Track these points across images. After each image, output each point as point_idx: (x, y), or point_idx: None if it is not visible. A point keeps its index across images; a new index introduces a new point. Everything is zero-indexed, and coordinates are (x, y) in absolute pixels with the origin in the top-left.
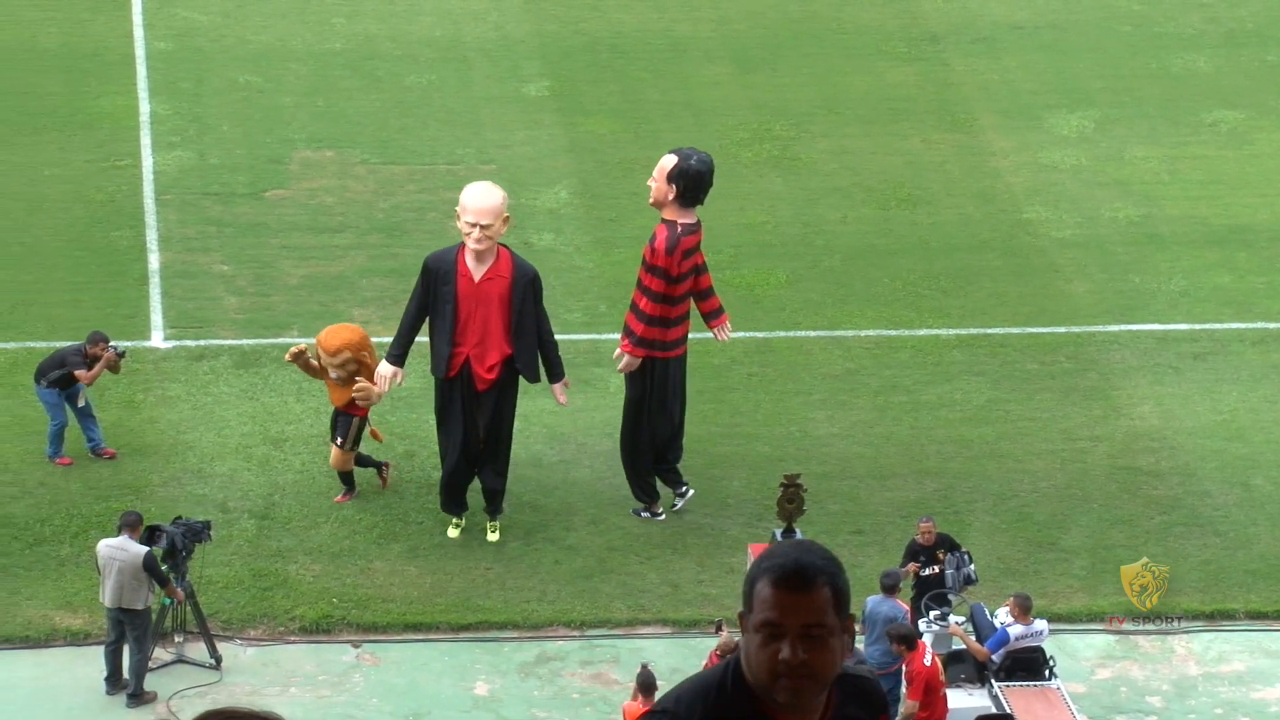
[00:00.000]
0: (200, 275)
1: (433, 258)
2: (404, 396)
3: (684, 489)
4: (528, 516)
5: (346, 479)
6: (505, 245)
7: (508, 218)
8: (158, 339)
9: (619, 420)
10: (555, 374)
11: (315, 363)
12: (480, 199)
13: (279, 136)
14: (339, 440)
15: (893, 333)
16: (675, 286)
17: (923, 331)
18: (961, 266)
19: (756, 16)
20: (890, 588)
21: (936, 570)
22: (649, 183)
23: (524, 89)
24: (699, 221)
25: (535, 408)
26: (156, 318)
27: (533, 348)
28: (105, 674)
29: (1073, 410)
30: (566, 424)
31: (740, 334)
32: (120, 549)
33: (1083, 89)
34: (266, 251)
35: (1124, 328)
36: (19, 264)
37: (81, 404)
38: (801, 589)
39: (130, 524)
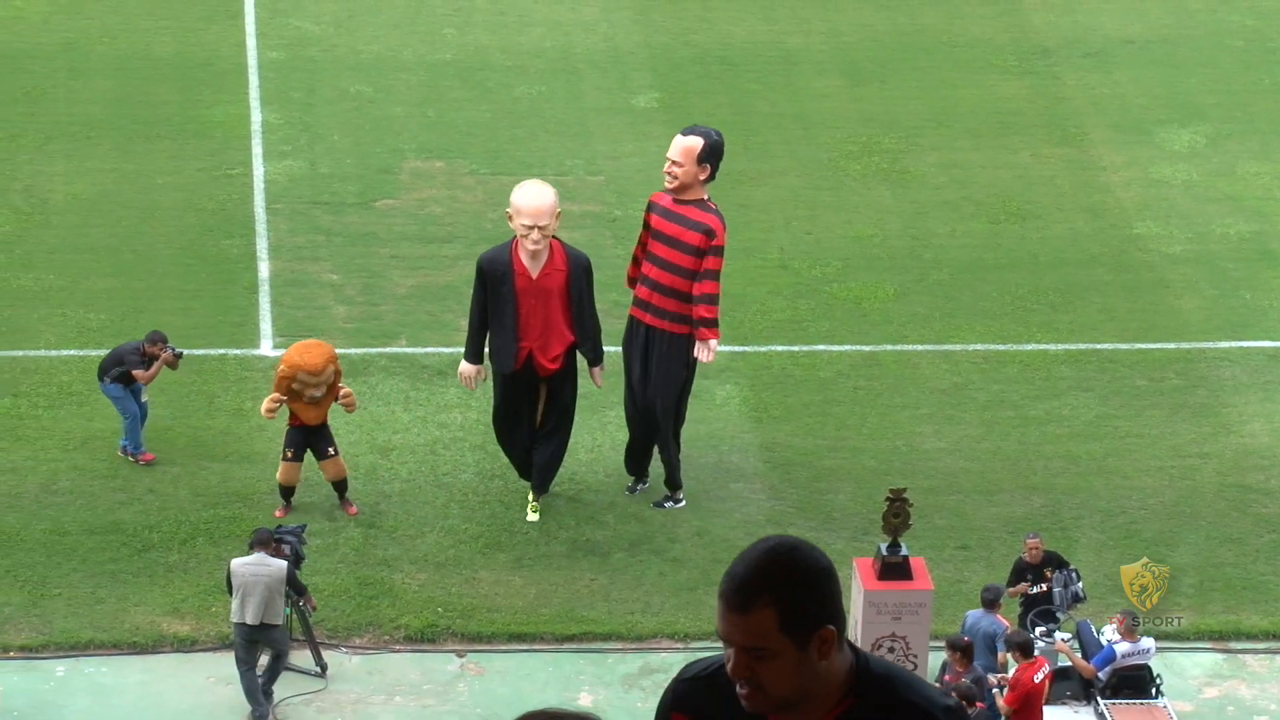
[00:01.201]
0: (309, 284)
1: (486, 259)
2: None
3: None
4: (632, 528)
5: (345, 485)
6: (556, 237)
7: (559, 213)
8: (266, 347)
9: (724, 433)
10: (596, 358)
11: (281, 397)
12: (536, 200)
13: (389, 146)
14: (332, 451)
15: (1001, 347)
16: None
17: (1031, 346)
18: (1071, 281)
19: (867, 29)
20: (990, 602)
21: (1044, 588)
22: (672, 169)
23: (633, 100)
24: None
25: None
26: (266, 326)
27: (597, 331)
28: (249, 699)
29: (1182, 427)
30: None
31: (847, 347)
32: (261, 565)
33: (1194, 104)
34: (375, 261)
35: (1234, 344)
36: (131, 272)
37: (144, 399)
38: (739, 609)
39: (262, 540)
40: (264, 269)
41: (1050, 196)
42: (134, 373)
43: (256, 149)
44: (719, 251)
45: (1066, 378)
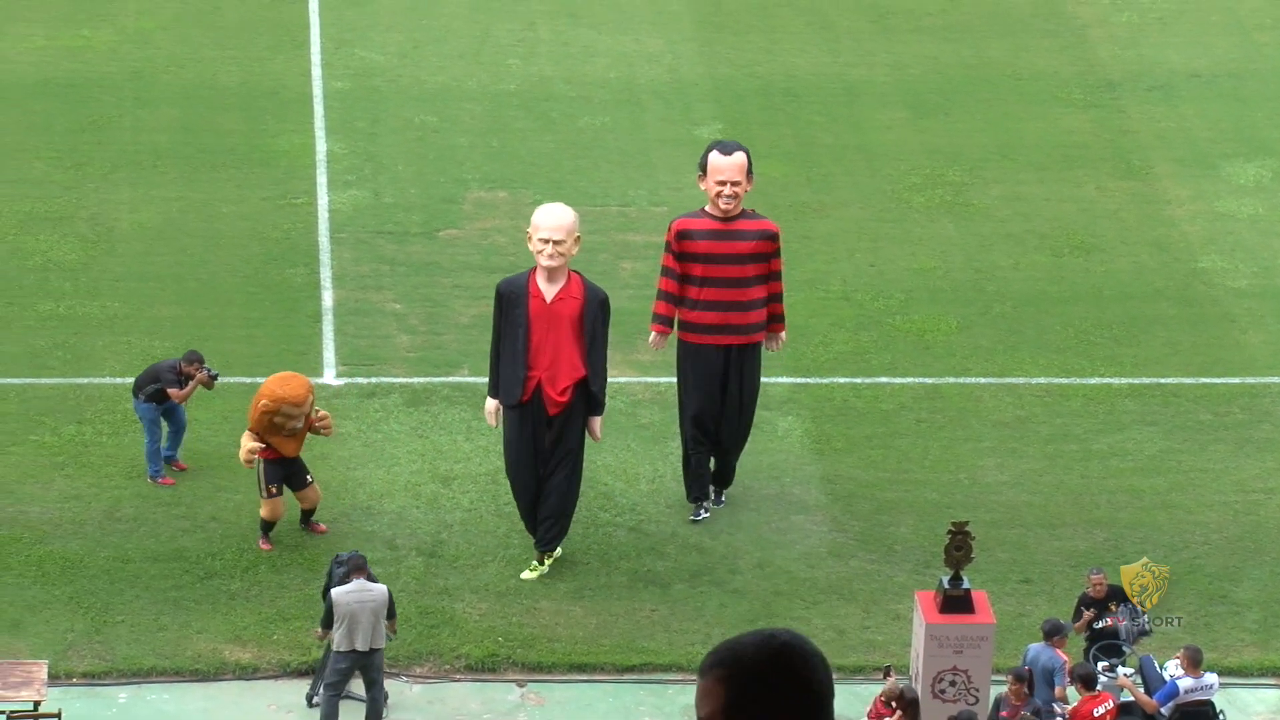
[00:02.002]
0: (373, 313)
1: (504, 283)
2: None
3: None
4: (693, 559)
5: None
6: (577, 270)
7: (579, 238)
8: (330, 376)
9: (785, 464)
10: (595, 406)
11: (257, 442)
12: (553, 216)
13: (453, 176)
14: (310, 478)
15: (1064, 381)
16: None
17: (1094, 380)
18: (1135, 315)
19: (931, 61)
20: (1050, 635)
21: (1109, 622)
22: (734, 190)
23: (697, 131)
24: None
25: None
26: (329, 355)
27: (605, 371)
28: None
29: (1246, 462)
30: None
31: (910, 379)
32: (364, 592)
33: (1261, 138)
34: (439, 290)
35: None
36: (196, 300)
37: (182, 412)
38: (699, 677)
39: (358, 566)
40: (327, 298)
41: (1115, 230)
42: (169, 391)
43: (321, 178)
44: (780, 252)
45: (1130, 411)
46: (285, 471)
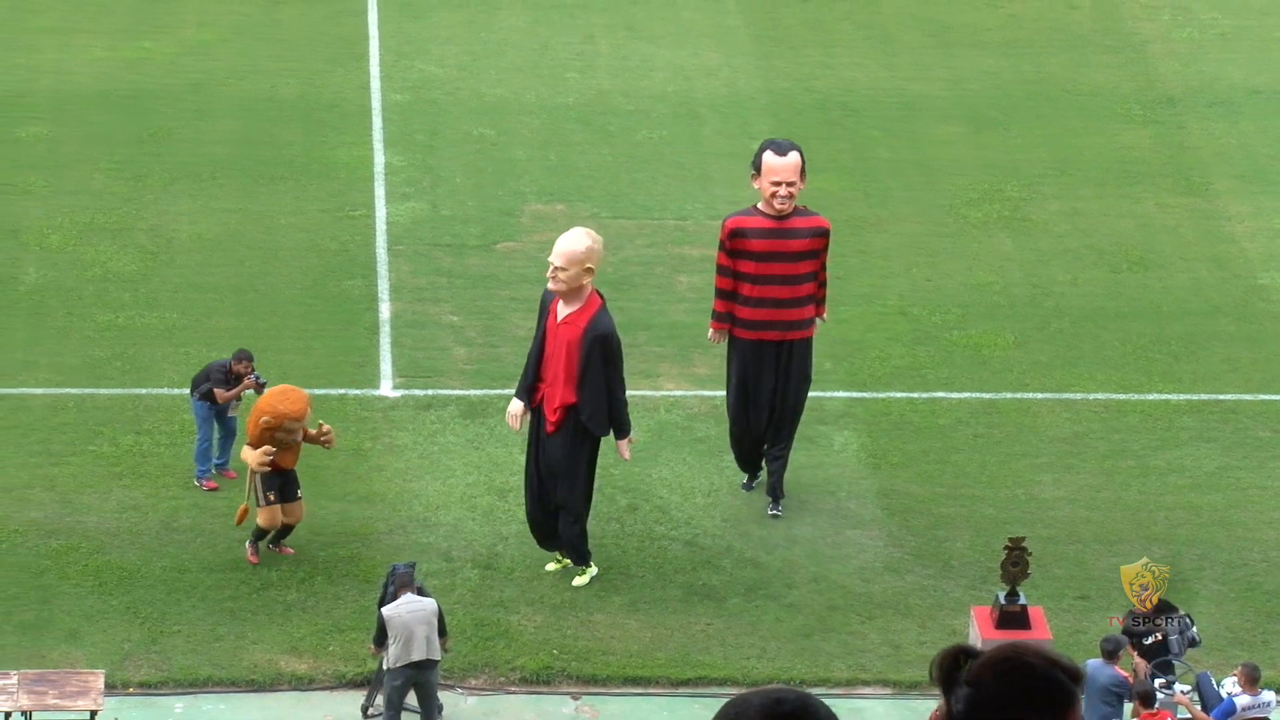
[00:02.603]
0: (430, 325)
1: (546, 291)
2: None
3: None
4: (749, 573)
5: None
6: (602, 298)
7: (590, 269)
8: (386, 388)
9: (842, 479)
10: (620, 431)
11: (271, 449)
12: (563, 242)
13: (511, 189)
14: (300, 493)
15: (1122, 396)
16: None
17: (1153, 396)
18: (1193, 331)
19: (990, 76)
20: (1110, 653)
21: (1159, 637)
22: (790, 190)
23: (754, 145)
24: None
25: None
26: (386, 367)
27: (598, 400)
28: None
29: None
30: (789, 481)
31: (967, 395)
32: (415, 605)
33: None
34: (496, 303)
35: None
36: (254, 311)
37: (232, 415)
38: None
39: (405, 583)
40: (385, 310)
41: (1173, 246)
42: (215, 391)
43: (379, 190)
44: (829, 246)
45: (1188, 428)
46: (281, 481)
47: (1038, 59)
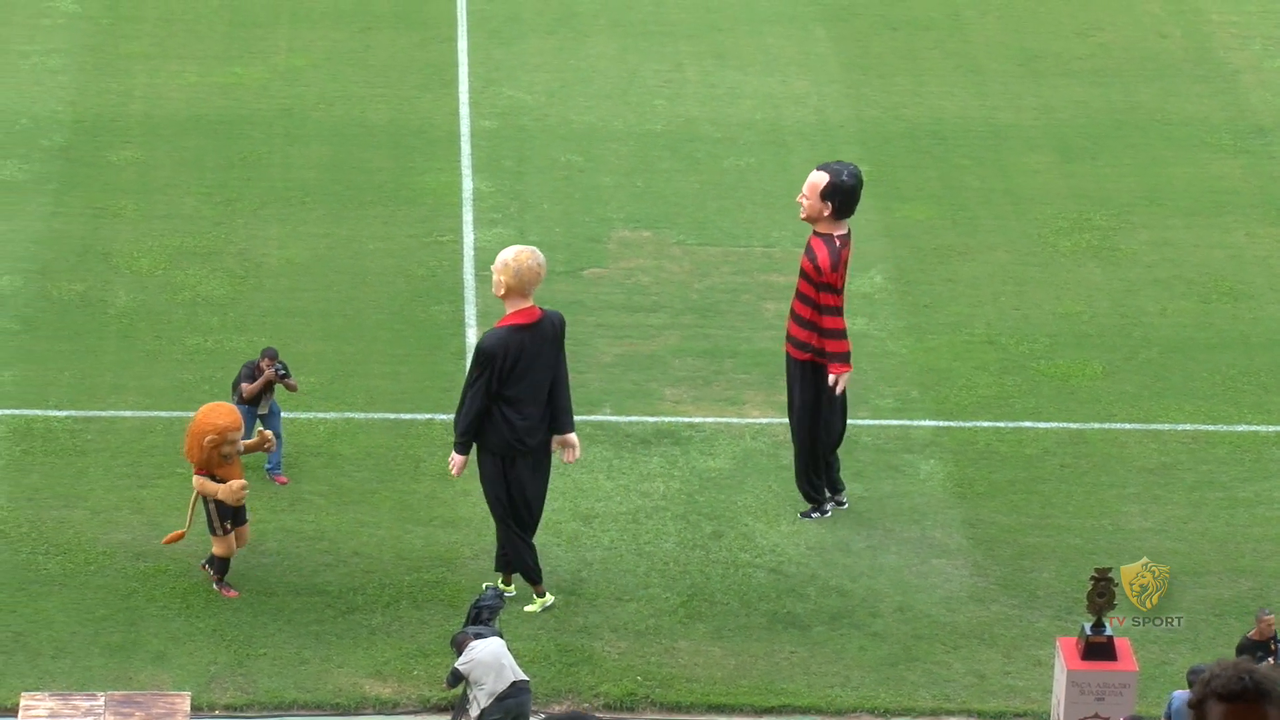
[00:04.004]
0: None
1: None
2: (712, 477)
3: (843, 499)
4: (834, 601)
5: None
6: (507, 315)
7: (499, 280)
8: None
9: (927, 507)
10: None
11: (212, 471)
12: (499, 256)
13: (598, 216)
14: (249, 516)
15: (1210, 428)
16: (839, 297)
17: (1241, 427)
18: None
19: (1080, 105)
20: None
21: (1270, 663)
22: (799, 200)
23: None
24: (850, 231)
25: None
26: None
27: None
28: None
29: None
30: (875, 509)
31: (1054, 424)
32: (491, 634)
33: None
34: (582, 329)
35: None
36: (341, 336)
37: (263, 411)
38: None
39: (459, 644)
40: (471, 335)
41: (1264, 277)
42: (241, 386)
43: (467, 216)
44: (827, 288)
45: (1277, 460)
46: (233, 508)
47: (1128, 88)
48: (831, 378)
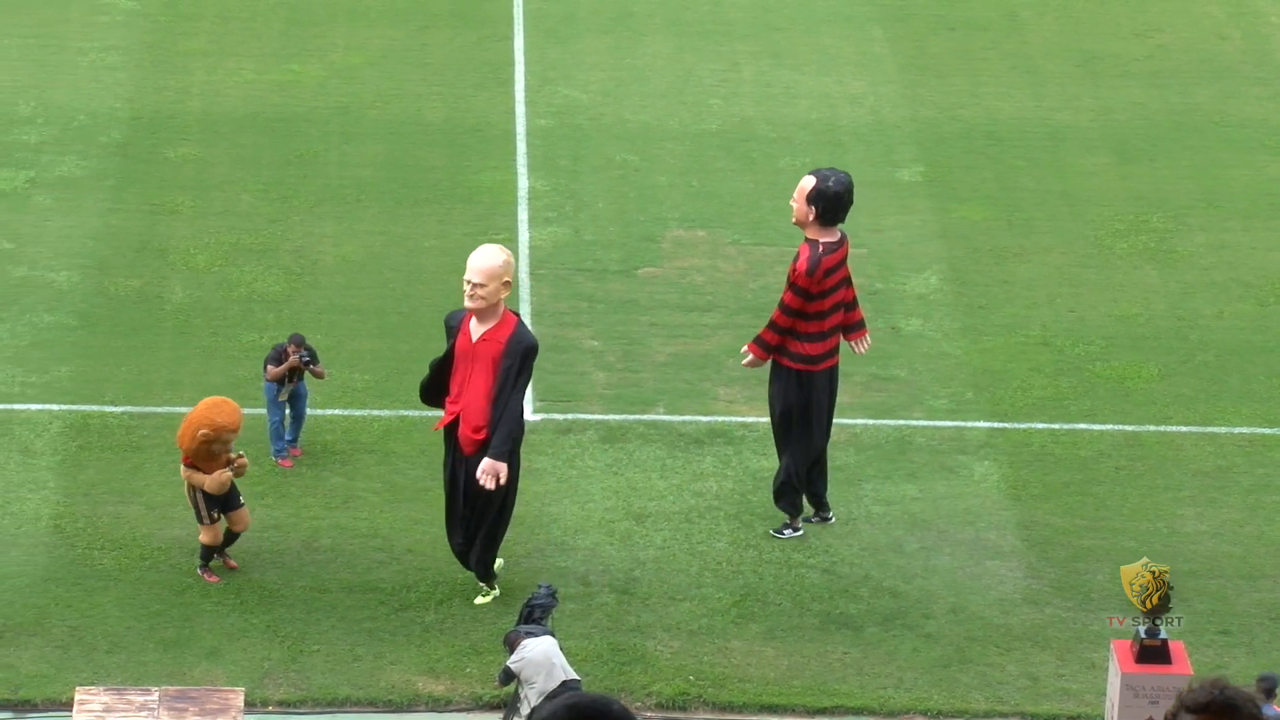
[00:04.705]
0: (570, 349)
1: (450, 315)
2: (765, 477)
3: (829, 515)
4: (887, 602)
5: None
6: (516, 314)
7: (508, 283)
8: (527, 411)
9: (981, 509)
10: (492, 449)
11: (196, 463)
12: (478, 258)
13: (652, 215)
14: (242, 500)
15: (1267, 431)
16: (819, 302)
17: None
18: None
19: (1138, 107)
20: (1269, 691)
21: None
22: (790, 203)
23: (897, 174)
24: (843, 237)
25: (897, 493)
26: (526, 390)
27: (510, 418)
28: None
29: None
30: (928, 510)
31: (1109, 426)
32: (542, 633)
33: None
34: (636, 328)
35: None
36: (396, 333)
37: (282, 399)
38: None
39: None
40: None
41: None
42: (267, 367)
43: (522, 215)
44: (794, 289)
45: None
46: (223, 498)
47: (1186, 90)
48: (744, 349)
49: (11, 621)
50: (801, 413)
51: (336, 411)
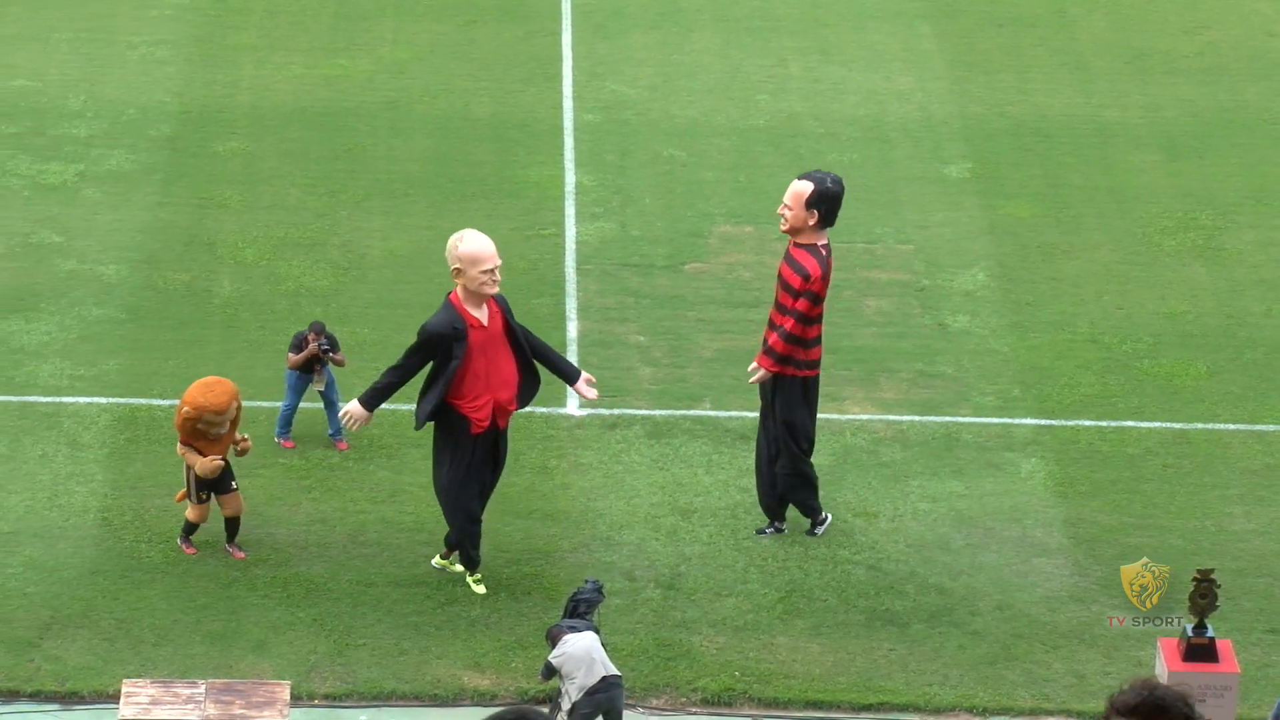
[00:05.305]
0: (616, 345)
1: (438, 324)
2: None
3: (784, 525)
4: (933, 599)
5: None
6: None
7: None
8: (572, 406)
9: (1028, 506)
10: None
11: (191, 441)
12: (490, 244)
13: (699, 211)
14: (234, 485)
15: None
16: (819, 306)
17: None
18: None
19: (1187, 104)
20: None
21: None
22: (781, 211)
23: (945, 170)
24: (829, 243)
25: (943, 490)
26: None
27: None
28: None
29: None
30: (975, 507)
31: (1156, 424)
32: (585, 628)
33: None
34: (683, 324)
35: None
36: None
37: (319, 388)
38: None
39: (553, 638)
40: (572, 329)
41: None
42: (288, 355)
43: (569, 210)
44: (811, 296)
45: None
46: (212, 480)
47: (1235, 87)
48: (753, 365)
49: (59, 614)
50: (805, 419)
51: (383, 405)
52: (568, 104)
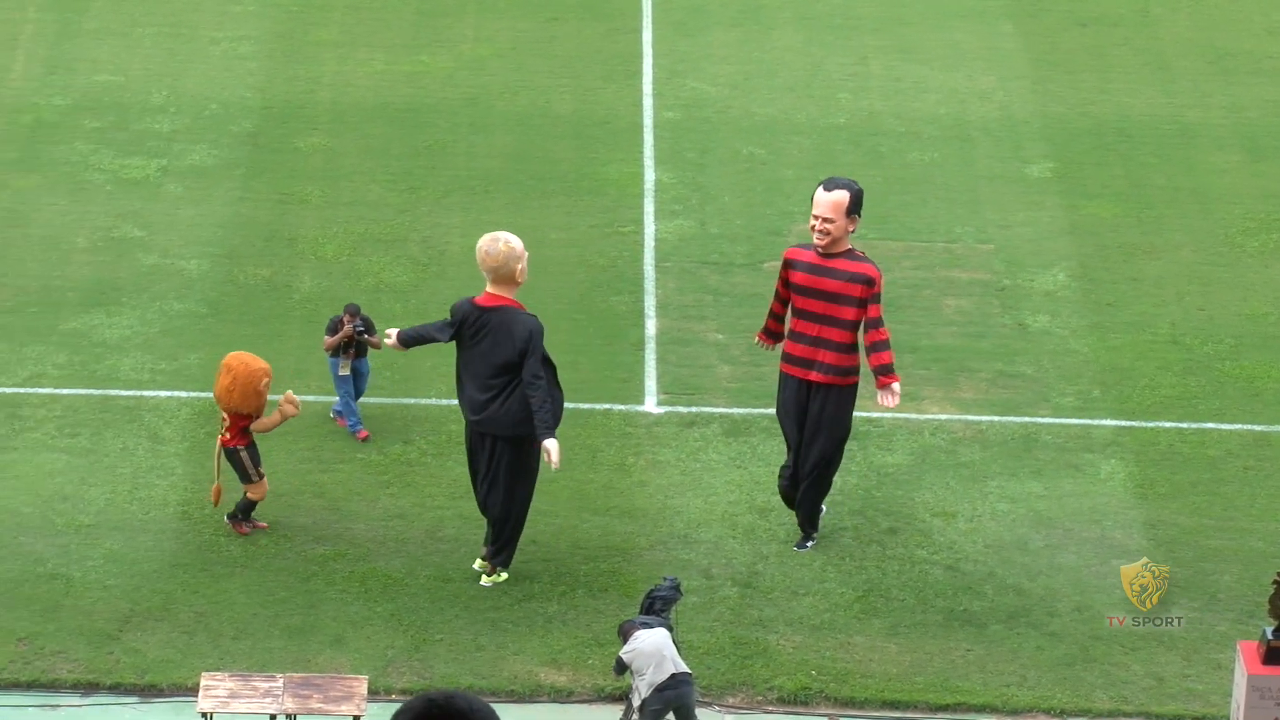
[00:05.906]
0: (695, 343)
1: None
2: (890, 472)
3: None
4: (1011, 600)
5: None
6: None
7: None
8: (651, 404)
9: (1108, 508)
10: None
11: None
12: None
13: (779, 209)
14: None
15: None
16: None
17: None
18: None
19: (1270, 105)
20: None
21: None
22: (824, 227)
23: (1026, 170)
24: None
25: (1022, 490)
26: (650, 383)
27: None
28: None
29: None
30: (1054, 508)
31: (1238, 426)
32: (658, 624)
33: None
34: (760, 322)
35: None
36: None
37: (343, 373)
38: None
39: (625, 634)
40: (651, 326)
41: None
42: (325, 339)
43: (649, 207)
44: (879, 299)
45: None
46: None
47: None
48: (896, 385)
49: (139, 606)
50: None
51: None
52: (648, 101)
